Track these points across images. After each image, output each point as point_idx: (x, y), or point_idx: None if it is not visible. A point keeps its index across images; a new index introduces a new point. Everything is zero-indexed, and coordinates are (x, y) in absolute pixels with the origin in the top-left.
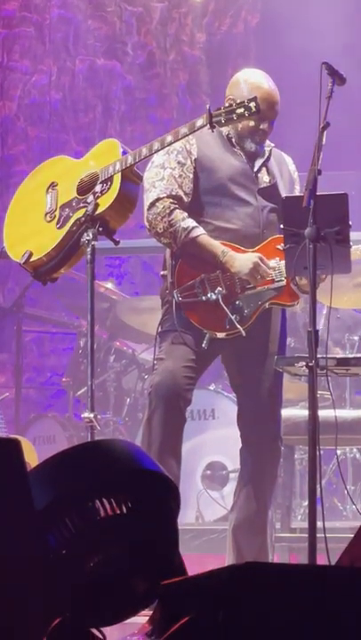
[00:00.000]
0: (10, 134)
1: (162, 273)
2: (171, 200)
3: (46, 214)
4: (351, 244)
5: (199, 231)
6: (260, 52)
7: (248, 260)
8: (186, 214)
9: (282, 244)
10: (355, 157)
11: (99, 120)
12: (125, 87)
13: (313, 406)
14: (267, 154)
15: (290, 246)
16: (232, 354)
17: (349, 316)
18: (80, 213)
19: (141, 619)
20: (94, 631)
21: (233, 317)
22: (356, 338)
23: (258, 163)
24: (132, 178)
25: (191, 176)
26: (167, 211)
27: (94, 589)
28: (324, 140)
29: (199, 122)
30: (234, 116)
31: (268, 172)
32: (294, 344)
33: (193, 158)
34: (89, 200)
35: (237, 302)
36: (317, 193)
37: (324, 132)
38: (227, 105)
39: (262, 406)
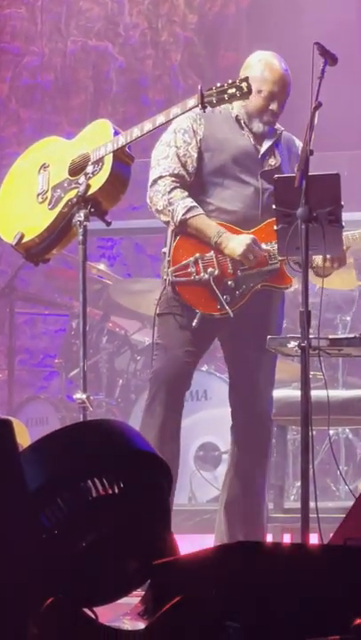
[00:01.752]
0: (1, 116)
1: (163, 250)
2: (172, 179)
3: (38, 195)
4: (343, 224)
5: (197, 211)
6: (251, 32)
7: (241, 241)
8: (186, 194)
9: None
10: (347, 138)
11: (91, 101)
12: (117, 68)
13: (306, 387)
14: (276, 137)
15: (282, 227)
16: (229, 333)
17: (341, 295)
18: (72, 194)
19: (133, 599)
20: (86, 611)
21: (223, 298)
22: (348, 318)
23: (266, 144)
24: (123, 159)
25: (195, 155)
26: (167, 189)
27: (86, 569)
28: (316, 120)
29: (191, 102)
30: (225, 97)
31: (275, 156)
32: (286, 324)
33: (198, 138)
34: (80, 181)
35: (229, 283)
36: (310, 173)
37: (316, 113)
38: (218, 85)
39: (254, 385)
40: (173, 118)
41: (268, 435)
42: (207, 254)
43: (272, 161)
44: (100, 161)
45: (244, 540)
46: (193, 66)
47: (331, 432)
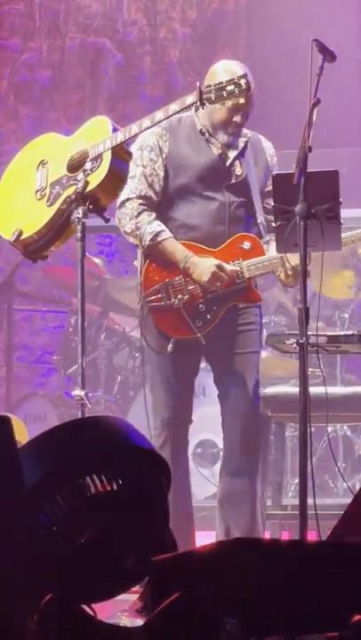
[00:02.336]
0: (0, 112)
1: (135, 262)
2: (140, 201)
3: (36, 192)
4: (342, 221)
5: (164, 235)
6: (250, 29)
7: (207, 268)
8: (153, 216)
9: (247, 243)
10: (346, 135)
11: (89, 98)
12: (116, 65)
13: (304, 383)
14: (241, 146)
15: (280, 223)
16: (208, 340)
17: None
18: (70, 191)
19: (132, 595)
20: (85, 607)
21: (195, 322)
22: (346, 315)
23: (232, 154)
24: (122, 155)
25: (162, 174)
26: (135, 213)
27: (85, 566)
28: (314, 117)
29: (190, 99)
30: (224, 93)
31: (241, 165)
32: (285, 322)
33: (164, 156)
34: (79, 177)
35: (200, 306)
36: (308, 170)
37: (315, 109)
38: (217, 82)
39: (239, 382)
40: (172, 114)
41: (256, 426)
42: (176, 278)
43: (238, 170)
44: (98, 157)
45: (240, 535)
46: (191, 62)
47: (329, 429)
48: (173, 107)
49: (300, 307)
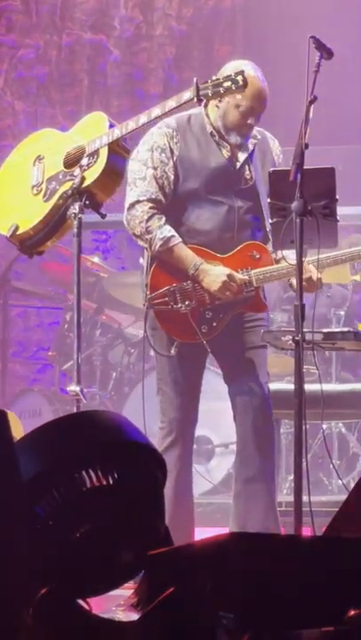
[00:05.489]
0: None
1: (140, 261)
2: (150, 204)
3: (33, 187)
4: (339, 218)
5: (175, 240)
6: (247, 26)
7: (217, 277)
8: (163, 220)
9: (256, 252)
10: (343, 132)
11: (85, 94)
12: (112, 61)
13: (299, 380)
14: (251, 147)
15: (276, 220)
16: (219, 347)
17: (336, 290)
18: (67, 186)
19: (128, 590)
20: (80, 602)
21: (201, 328)
22: (342, 313)
23: (242, 157)
24: (119, 151)
25: (172, 177)
26: (145, 216)
27: (81, 560)
28: (311, 114)
29: (186, 95)
30: (221, 90)
31: (250, 169)
32: (281, 318)
33: (175, 158)
34: (75, 173)
35: (207, 313)
36: (305, 167)
37: (311, 106)
38: (214, 78)
39: (250, 378)
40: (169, 111)
41: (269, 421)
42: (185, 284)
43: (248, 175)
44: (95, 153)
45: (261, 527)
46: (188, 59)
47: (324, 426)
48: (170, 103)
49: (296, 304)
